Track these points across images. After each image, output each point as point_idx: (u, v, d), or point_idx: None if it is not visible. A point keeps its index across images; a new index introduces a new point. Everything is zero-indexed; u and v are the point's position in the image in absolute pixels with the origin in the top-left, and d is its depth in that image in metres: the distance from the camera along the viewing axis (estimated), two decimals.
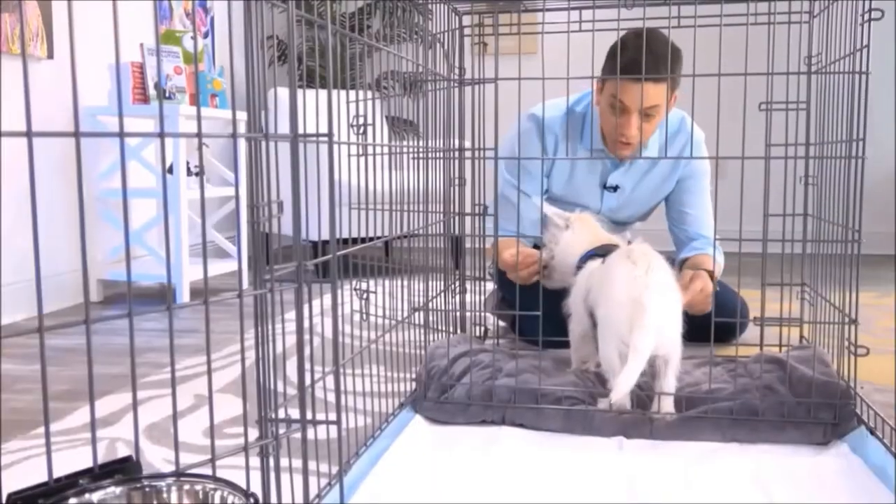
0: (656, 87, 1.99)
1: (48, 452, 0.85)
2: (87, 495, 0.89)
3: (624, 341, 1.54)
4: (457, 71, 2.09)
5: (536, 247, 2.17)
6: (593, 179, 2.30)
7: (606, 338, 1.59)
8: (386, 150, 1.95)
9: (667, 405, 1.62)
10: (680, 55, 2.01)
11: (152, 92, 3.16)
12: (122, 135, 0.82)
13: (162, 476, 0.95)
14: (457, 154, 2.10)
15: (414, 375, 1.83)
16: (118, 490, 0.91)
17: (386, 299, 1.85)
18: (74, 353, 2.35)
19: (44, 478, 0.88)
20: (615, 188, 2.30)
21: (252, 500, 0.92)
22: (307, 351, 1.47)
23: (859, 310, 1.56)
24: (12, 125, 2.70)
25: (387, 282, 1.87)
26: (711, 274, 2.09)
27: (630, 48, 1.93)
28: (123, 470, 0.94)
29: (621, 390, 1.49)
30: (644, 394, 1.65)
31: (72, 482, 0.89)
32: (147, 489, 0.93)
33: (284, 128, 3.58)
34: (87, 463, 0.92)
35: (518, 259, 1.95)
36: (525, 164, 2.21)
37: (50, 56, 2.96)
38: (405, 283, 1.92)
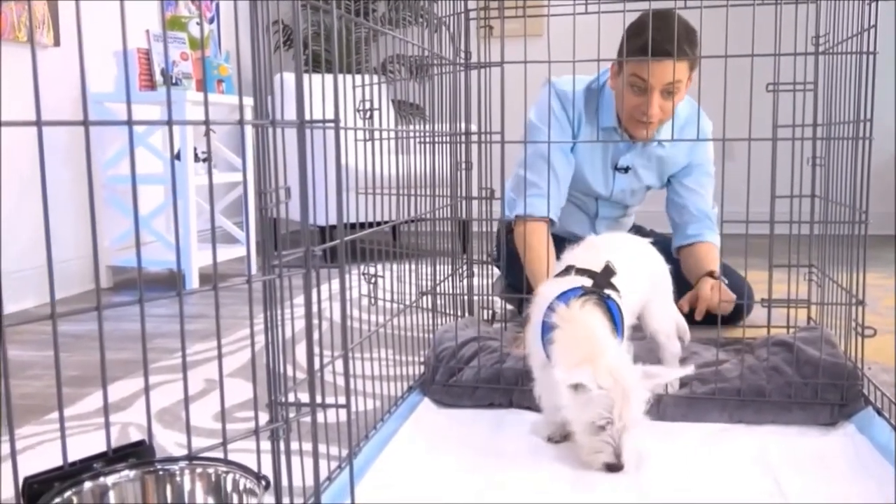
0: (679, 63, 1.97)
1: (62, 437, 0.87)
2: (101, 479, 0.90)
3: None
4: (462, 54, 2.09)
5: (556, 236, 2.16)
6: (605, 160, 2.29)
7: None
8: (392, 134, 1.96)
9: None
10: (696, 35, 1.99)
11: (159, 78, 3.16)
12: (130, 123, 0.83)
13: (175, 460, 0.97)
14: (463, 138, 2.10)
15: (422, 359, 1.84)
16: (132, 473, 0.93)
17: (394, 283, 1.85)
18: (83, 339, 2.37)
19: (57, 462, 0.89)
20: (626, 169, 2.29)
21: (263, 483, 0.93)
22: (316, 335, 1.47)
23: (866, 290, 1.56)
24: (17, 113, 2.71)
25: (395, 266, 1.88)
26: (713, 273, 2.08)
27: (650, 27, 1.88)
28: (137, 454, 0.95)
29: None
30: None
31: (86, 466, 0.91)
32: (160, 472, 0.94)
33: (291, 112, 3.55)
34: (100, 447, 0.94)
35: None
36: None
37: (57, 43, 2.97)
38: (413, 267, 1.93)
